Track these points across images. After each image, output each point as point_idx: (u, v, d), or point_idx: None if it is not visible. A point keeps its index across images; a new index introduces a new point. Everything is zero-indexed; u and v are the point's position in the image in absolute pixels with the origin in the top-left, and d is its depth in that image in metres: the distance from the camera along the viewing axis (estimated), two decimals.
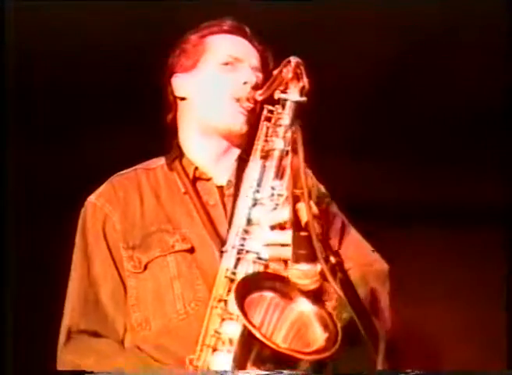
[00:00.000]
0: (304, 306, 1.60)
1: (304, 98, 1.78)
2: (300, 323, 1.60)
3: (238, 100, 1.92)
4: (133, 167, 2.03)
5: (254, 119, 1.93)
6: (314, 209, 1.50)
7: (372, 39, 3.19)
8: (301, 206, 1.53)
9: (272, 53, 2.02)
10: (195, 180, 1.97)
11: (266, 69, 1.99)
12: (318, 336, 1.56)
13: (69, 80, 3.21)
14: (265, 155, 1.80)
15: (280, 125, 1.80)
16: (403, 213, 3.94)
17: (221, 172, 1.97)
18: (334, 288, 1.45)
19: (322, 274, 1.50)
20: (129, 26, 2.97)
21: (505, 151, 3.05)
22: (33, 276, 3.25)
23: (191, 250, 1.88)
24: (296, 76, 1.77)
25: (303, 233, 1.51)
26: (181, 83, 2.00)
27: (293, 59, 1.78)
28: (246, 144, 1.97)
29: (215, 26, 2.02)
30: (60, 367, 1.88)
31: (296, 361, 1.52)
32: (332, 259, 1.46)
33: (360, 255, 1.97)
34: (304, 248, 1.52)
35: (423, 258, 4.02)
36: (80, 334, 1.89)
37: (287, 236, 1.61)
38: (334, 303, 1.73)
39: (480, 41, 3.19)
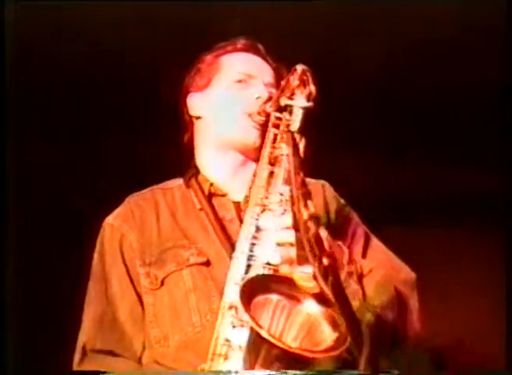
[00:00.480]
0: (311, 307, 1.60)
1: (310, 104, 1.79)
2: (308, 324, 1.60)
3: (250, 115, 1.94)
4: (150, 187, 2.06)
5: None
6: (311, 210, 1.48)
7: (376, 38, 3.20)
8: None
9: (287, 70, 2.01)
10: (211, 196, 1.99)
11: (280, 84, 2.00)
12: (327, 336, 1.57)
13: (71, 85, 3.22)
14: (273, 162, 1.82)
15: (288, 131, 1.79)
16: (403, 209, 3.95)
17: (237, 187, 1.99)
18: (323, 290, 1.44)
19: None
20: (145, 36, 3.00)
21: (506, 150, 3.06)
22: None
23: (207, 263, 1.90)
24: (303, 83, 1.79)
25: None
26: (195, 103, 2.04)
27: (299, 67, 1.81)
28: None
29: (229, 45, 2.06)
30: None
31: (306, 360, 1.52)
32: (325, 261, 1.43)
33: (387, 261, 1.98)
34: (302, 249, 1.52)
35: (422, 256, 4.04)
36: (96, 353, 1.91)
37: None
38: (357, 304, 1.75)
39: (480, 40, 3.22)
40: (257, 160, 1.98)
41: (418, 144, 3.72)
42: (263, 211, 1.78)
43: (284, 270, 1.67)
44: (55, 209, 3.16)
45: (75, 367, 1.91)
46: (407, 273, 2.00)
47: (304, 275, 1.58)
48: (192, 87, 2.06)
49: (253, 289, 1.59)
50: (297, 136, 1.63)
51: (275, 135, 1.85)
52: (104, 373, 1.83)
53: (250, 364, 1.57)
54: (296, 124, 1.78)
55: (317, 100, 1.80)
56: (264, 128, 1.95)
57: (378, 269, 1.84)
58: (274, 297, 1.60)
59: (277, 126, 1.86)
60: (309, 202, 1.48)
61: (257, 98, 1.96)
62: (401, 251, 2.07)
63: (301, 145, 1.74)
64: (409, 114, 3.53)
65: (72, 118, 3.55)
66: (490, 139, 3.41)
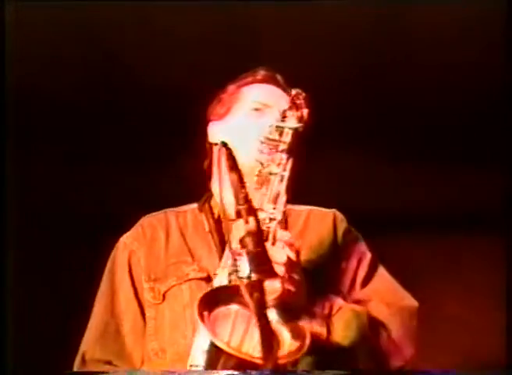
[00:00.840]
0: (271, 315, 1.61)
1: (300, 125, 1.84)
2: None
3: (263, 142, 1.96)
4: (165, 210, 2.13)
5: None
6: (250, 227, 1.52)
7: (375, 36, 3.20)
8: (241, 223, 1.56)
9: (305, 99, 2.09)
10: (220, 220, 2.04)
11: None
12: (285, 344, 1.59)
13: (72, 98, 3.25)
14: (262, 181, 1.83)
15: (277, 151, 1.84)
16: (402, 216, 3.97)
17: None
18: (247, 303, 1.50)
19: (284, 290, 1.56)
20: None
21: (505, 154, 3.07)
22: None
23: (207, 279, 1.94)
24: (295, 106, 1.85)
25: (253, 250, 1.55)
26: (215, 130, 2.11)
27: (294, 91, 1.87)
28: None
29: (249, 76, 2.13)
30: None
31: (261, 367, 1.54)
32: (253, 276, 1.49)
33: (389, 290, 2.02)
34: (262, 264, 1.55)
35: (421, 260, 4.06)
36: (95, 362, 1.97)
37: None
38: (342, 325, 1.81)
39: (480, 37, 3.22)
40: None
41: (417, 148, 3.74)
42: None
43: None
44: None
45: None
46: (409, 301, 2.02)
47: None
48: (213, 115, 2.14)
49: (214, 300, 1.61)
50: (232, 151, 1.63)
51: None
52: (104, 373, 1.88)
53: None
54: (285, 145, 1.83)
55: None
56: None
57: (347, 307, 1.85)
58: (234, 307, 1.62)
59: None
60: (250, 219, 1.52)
61: (271, 126, 1.97)
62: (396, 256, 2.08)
63: (289, 165, 1.80)
64: (408, 117, 3.54)
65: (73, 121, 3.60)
66: (491, 141, 3.42)
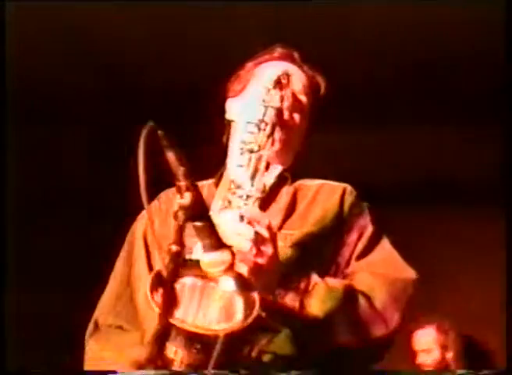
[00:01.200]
0: (226, 285, 1.62)
1: (279, 105, 1.88)
2: (225, 301, 1.63)
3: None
4: None
5: (292, 138, 2.03)
6: (184, 201, 1.53)
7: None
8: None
9: (324, 78, 2.12)
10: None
11: (315, 93, 2.09)
12: (237, 313, 1.60)
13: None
14: (243, 159, 1.83)
15: (260, 130, 1.84)
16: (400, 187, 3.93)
17: (258, 187, 1.98)
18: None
19: (231, 262, 1.56)
20: None
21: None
22: None
23: None
24: (279, 86, 1.88)
25: (197, 224, 1.56)
26: (230, 107, 2.11)
27: (280, 71, 1.92)
28: (291, 162, 2.07)
29: (267, 53, 2.13)
30: (86, 356, 1.99)
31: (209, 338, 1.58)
32: (173, 248, 1.49)
33: (386, 262, 1.98)
34: (206, 238, 1.57)
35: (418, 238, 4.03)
36: (107, 328, 1.99)
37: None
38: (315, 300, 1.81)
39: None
40: (283, 164, 2.06)
41: (418, 123, 3.72)
42: (225, 208, 1.80)
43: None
44: None
45: (87, 338, 2.01)
46: (406, 273, 1.99)
47: (207, 261, 1.59)
48: (230, 91, 2.13)
49: (165, 277, 1.59)
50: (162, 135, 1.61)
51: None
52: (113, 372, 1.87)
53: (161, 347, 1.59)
54: (266, 123, 1.84)
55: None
56: (286, 134, 2.02)
57: (322, 283, 1.84)
58: (188, 280, 1.63)
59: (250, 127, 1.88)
60: (187, 194, 1.53)
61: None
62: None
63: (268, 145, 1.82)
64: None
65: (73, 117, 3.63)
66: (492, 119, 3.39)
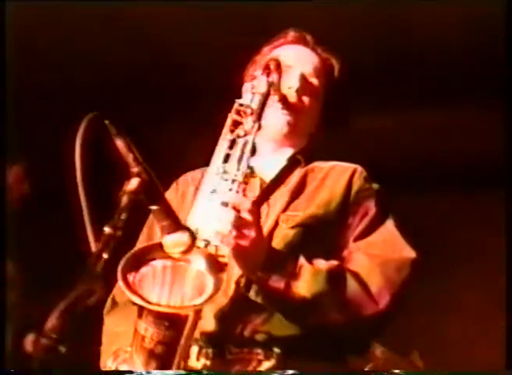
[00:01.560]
0: (198, 264, 1.66)
1: (267, 91, 1.90)
2: (198, 281, 1.66)
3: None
4: (202, 168, 2.11)
5: (302, 120, 2.09)
6: (129, 187, 1.54)
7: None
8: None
9: (339, 61, 2.17)
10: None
11: (329, 75, 2.15)
12: (206, 291, 1.62)
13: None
14: (230, 145, 1.86)
15: (247, 116, 1.87)
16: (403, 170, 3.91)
17: (268, 169, 2.08)
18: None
19: (190, 243, 1.58)
20: None
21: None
22: None
23: None
24: (266, 72, 1.91)
25: (153, 207, 1.59)
26: (245, 92, 2.11)
27: (269, 56, 2.01)
28: (305, 145, 2.12)
29: (281, 38, 2.19)
30: (103, 331, 2.05)
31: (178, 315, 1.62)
32: (106, 229, 1.50)
33: (385, 243, 2.00)
34: (163, 220, 1.59)
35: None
36: (123, 304, 2.03)
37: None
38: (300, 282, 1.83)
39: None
40: (294, 147, 2.12)
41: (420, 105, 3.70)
42: (213, 191, 1.84)
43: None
44: None
45: (105, 314, 2.08)
46: (405, 252, 1.99)
47: (168, 243, 1.61)
48: (246, 76, 2.18)
49: (136, 262, 1.64)
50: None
51: (234, 120, 1.90)
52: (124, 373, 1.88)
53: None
54: (253, 109, 1.86)
55: None
56: (293, 116, 2.08)
57: (307, 265, 1.86)
58: (158, 263, 1.65)
59: (238, 112, 1.91)
60: (134, 180, 1.55)
61: (289, 88, 2.06)
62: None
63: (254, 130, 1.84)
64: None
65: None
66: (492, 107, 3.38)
